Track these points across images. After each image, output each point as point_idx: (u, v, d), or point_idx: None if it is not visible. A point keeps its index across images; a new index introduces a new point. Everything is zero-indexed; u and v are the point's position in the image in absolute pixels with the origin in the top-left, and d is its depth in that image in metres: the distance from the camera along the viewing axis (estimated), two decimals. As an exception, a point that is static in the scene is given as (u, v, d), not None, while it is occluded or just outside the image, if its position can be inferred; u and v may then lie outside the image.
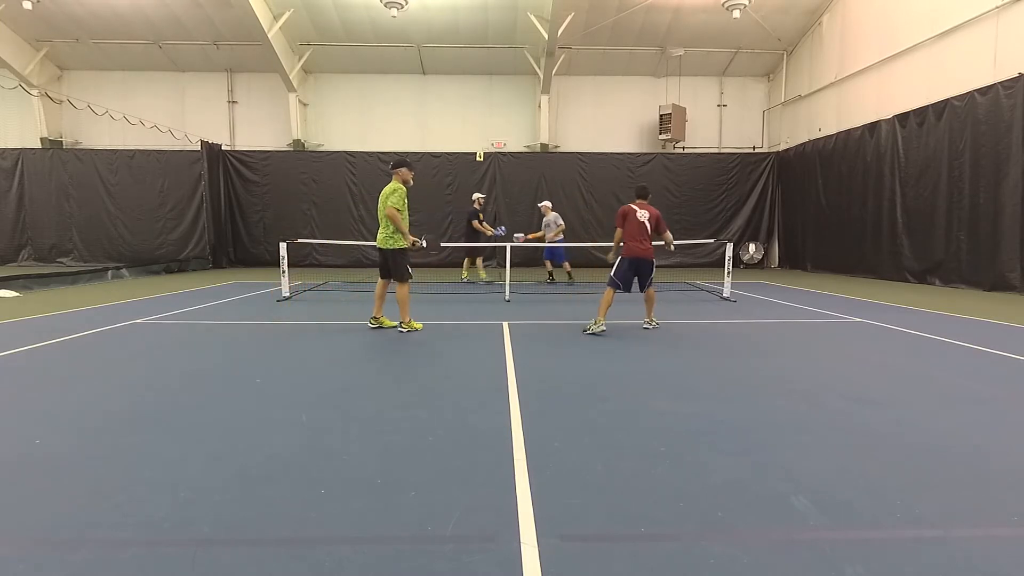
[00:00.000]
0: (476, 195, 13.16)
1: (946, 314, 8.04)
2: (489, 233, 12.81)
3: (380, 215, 6.63)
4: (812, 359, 5.35)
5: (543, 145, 18.94)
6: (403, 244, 6.57)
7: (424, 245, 6.84)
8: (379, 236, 6.66)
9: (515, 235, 12.93)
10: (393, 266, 6.65)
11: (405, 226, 6.52)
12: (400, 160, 6.74)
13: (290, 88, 18.17)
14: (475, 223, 12.60)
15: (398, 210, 6.42)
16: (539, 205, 13.34)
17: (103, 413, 3.69)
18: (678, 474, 2.77)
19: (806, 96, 17.41)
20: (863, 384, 4.42)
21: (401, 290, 6.63)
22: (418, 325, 6.77)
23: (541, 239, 12.61)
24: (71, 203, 18.54)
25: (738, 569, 2.00)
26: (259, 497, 2.52)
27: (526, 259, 18.02)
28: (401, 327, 6.63)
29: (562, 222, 12.56)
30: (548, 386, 4.36)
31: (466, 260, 13.18)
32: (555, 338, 6.33)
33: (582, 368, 4.94)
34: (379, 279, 6.93)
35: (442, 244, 15.86)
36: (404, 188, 6.57)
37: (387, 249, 6.62)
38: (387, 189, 6.54)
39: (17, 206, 18.58)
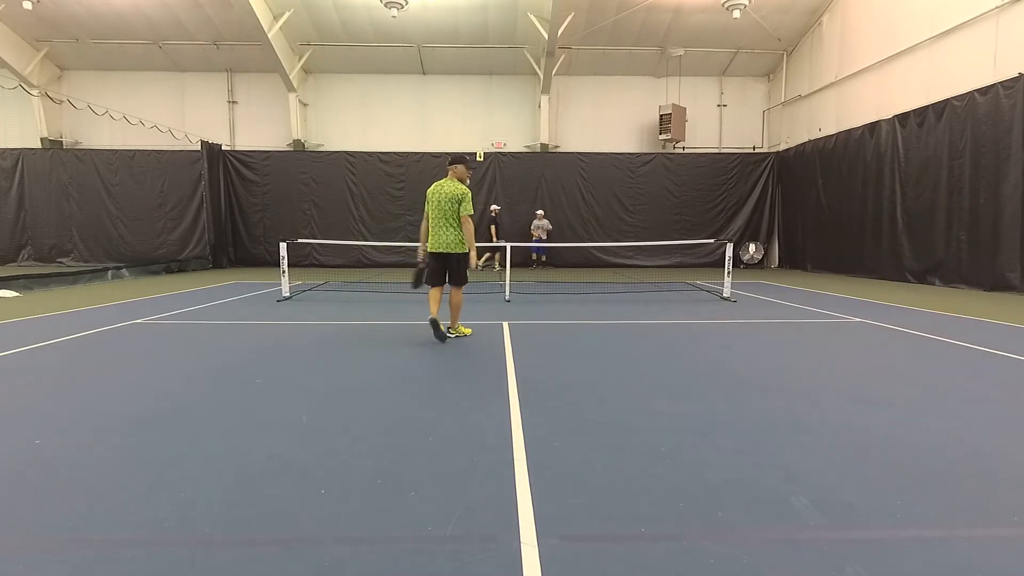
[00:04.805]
0: (494, 206, 17.41)
1: (946, 314, 8.04)
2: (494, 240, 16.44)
3: (437, 213, 5.96)
4: (812, 359, 5.35)
5: (543, 145, 18.95)
6: (467, 249, 6.09)
7: (422, 264, 6.36)
8: (440, 239, 5.97)
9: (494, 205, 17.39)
10: (457, 269, 6.09)
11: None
12: (459, 156, 6.19)
13: (290, 88, 18.18)
14: (492, 229, 16.87)
15: (471, 216, 5.98)
16: (537, 212, 17.70)
17: (103, 413, 3.69)
18: (678, 474, 2.77)
19: (806, 96, 17.41)
20: (863, 384, 4.42)
21: (458, 295, 6.19)
22: (467, 330, 6.41)
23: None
24: (71, 203, 18.55)
25: (738, 569, 1.99)
26: (259, 497, 2.52)
27: (525, 259, 18.07)
28: (449, 332, 6.23)
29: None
30: (548, 386, 4.35)
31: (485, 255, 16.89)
32: (555, 338, 6.32)
33: (582, 368, 4.94)
34: (432, 287, 6.18)
35: None
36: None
37: (454, 254, 6.01)
38: (448, 188, 5.96)
39: (17, 206, 18.59)
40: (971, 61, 11.63)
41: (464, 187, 6.04)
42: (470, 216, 5.99)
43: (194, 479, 2.70)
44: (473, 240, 6.05)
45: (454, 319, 6.30)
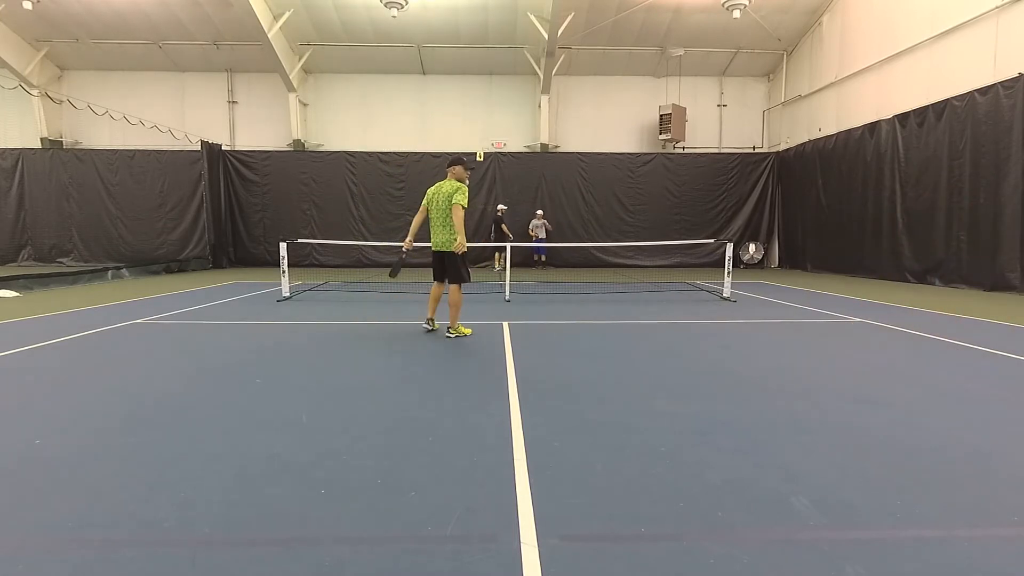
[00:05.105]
0: (500, 206, 17.49)
1: (946, 314, 8.04)
2: (510, 237, 16.50)
3: (436, 214, 6.21)
4: (812, 359, 5.35)
5: (543, 145, 18.94)
6: (463, 246, 6.23)
7: (404, 256, 6.68)
8: (438, 238, 6.23)
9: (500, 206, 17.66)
10: (452, 268, 6.26)
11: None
12: (457, 158, 6.42)
13: (290, 88, 18.17)
14: (504, 227, 16.94)
15: (464, 208, 6.10)
16: (537, 212, 17.69)
17: (103, 413, 3.69)
18: (678, 474, 2.77)
19: (806, 96, 17.41)
20: (863, 384, 4.42)
21: (456, 294, 6.27)
22: (467, 331, 6.38)
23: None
24: (71, 203, 18.55)
25: (738, 569, 2.00)
26: (259, 497, 2.52)
27: (525, 259, 18.08)
28: (449, 332, 6.29)
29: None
30: (548, 386, 4.35)
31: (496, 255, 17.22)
32: (555, 338, 6.32)
33: (582, 368, 4.94)
34: (434, 282, 6.55)
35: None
36: (467, 187, 6.26)
37: (447, 251, 6.22)
38: (447, 187, 6.16)
39: (17, 206, 18.59)
40: (971, 61, 11.63)
41: (460, 184, 6.22)
42: (462, 206, 6.08)
43: (194, 479, 2.70)
44: (462, 227, 6.12)
45: (453, 318, 6.34)
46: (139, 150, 18.41)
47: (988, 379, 4.56)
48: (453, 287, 6.30)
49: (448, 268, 6.31)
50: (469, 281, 6.36)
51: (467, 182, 6.34)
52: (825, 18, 16.41)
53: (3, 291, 10.23)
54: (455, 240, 6.13)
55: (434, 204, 6.27)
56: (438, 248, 6.30)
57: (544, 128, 18.78)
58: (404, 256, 6.72)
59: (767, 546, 2.15)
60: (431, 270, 6.58)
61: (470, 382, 4.51)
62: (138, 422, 3.51)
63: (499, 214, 17.40)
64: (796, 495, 2.53)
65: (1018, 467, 2.85)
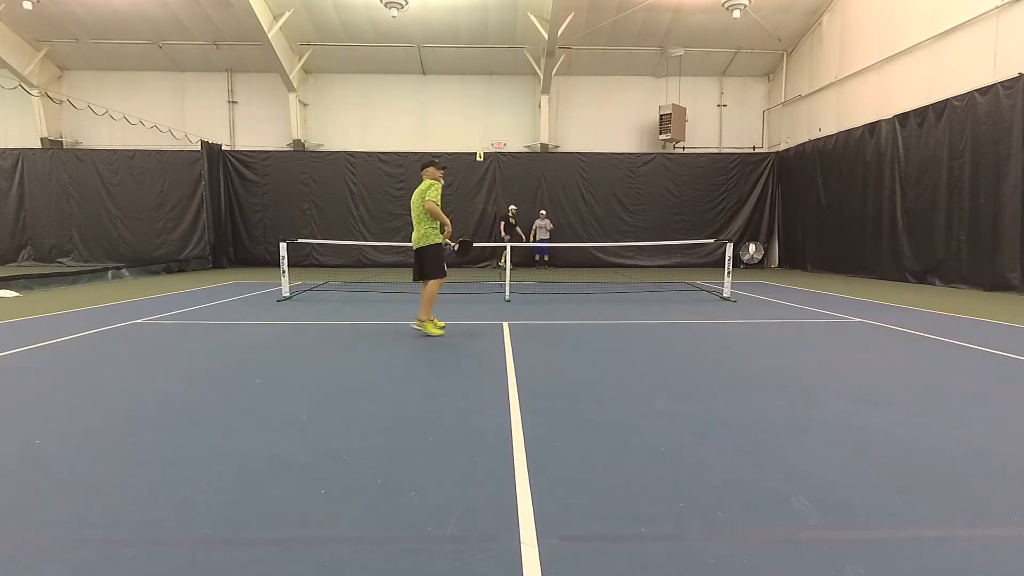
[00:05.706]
0: (511, 207, 17.79)
1: (946, 314, 8.04)
2: (505, 236, 17.00)
3: (414, 213, 6.44)
4: (812, 359, 5.35)
5: (543, 145, 18.94)
6: (437, 240, 6.36)
7: (455, 248, 6.81)
8: (415, 234, 6.44)
9: (510, 208, 17.86)
10: (428, 264, 6.40)
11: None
12: (429, 160, 6.65)
13: (290, 88, 18.17)
14: (502, 227, 17.49)
15: (437, 203, 6.27)
16: (541, 212, 17.91)
17: (103, 413, 3.69)
18: (678, 474, 2.77)
19: (806, 96, 17.41)
20: (863, 384, 4.42)
21: (431, 286, 6.39)
22: (436, 331, 6.38)
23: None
24: (71, 203, 18.55)
25: (738, 569, 1.99)
26: (259, 497, 2.52)
27: (525, 259, 18.09)
28: (415, 324, 6.46)
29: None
30: (548, 386, 4.36)
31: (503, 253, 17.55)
32: (555, 338, 6.32)
33: (582, 368, 4.94)
34: (421, 283, 6.63)
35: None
36: (440, 184, 6.44)
37: (422, 248, 6.39)
38: (422, 187, 6.38)
39: (17, 206, 18.59)
40: (971, 61, 11.63)
41: (431, 181, 6.41)
42: (434, 201, 6.25)
43: (194, 479, 2.70)
44: (441, 216, 6.31)
45: (423, 309, 6.40)
46: (139, 150, 18.40)
47: (988, 379, 4.56)
48: (431, 281, 6.45)
49: (426, 264, 6.45)
50: (445, 276, 6.48)
51: (442, 180, 6.53)
52: (825, 18, 16.41)
53: (3, 291, 10.23)
54: (430, 235, 6.33)
55: (412, 205, 6.52)
56: (416, 245, 6.48)
57: (544, 128, 18.78)
58: (455, 245, 6.95)
59: (767, 546, 2.15)
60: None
61: (470, 382, 4.51)
62: (138, 422, 3.51)
63: (509, 215, 17.63)
64: (796, 495, 2.53)
65: (1018, 467, 2.85)
